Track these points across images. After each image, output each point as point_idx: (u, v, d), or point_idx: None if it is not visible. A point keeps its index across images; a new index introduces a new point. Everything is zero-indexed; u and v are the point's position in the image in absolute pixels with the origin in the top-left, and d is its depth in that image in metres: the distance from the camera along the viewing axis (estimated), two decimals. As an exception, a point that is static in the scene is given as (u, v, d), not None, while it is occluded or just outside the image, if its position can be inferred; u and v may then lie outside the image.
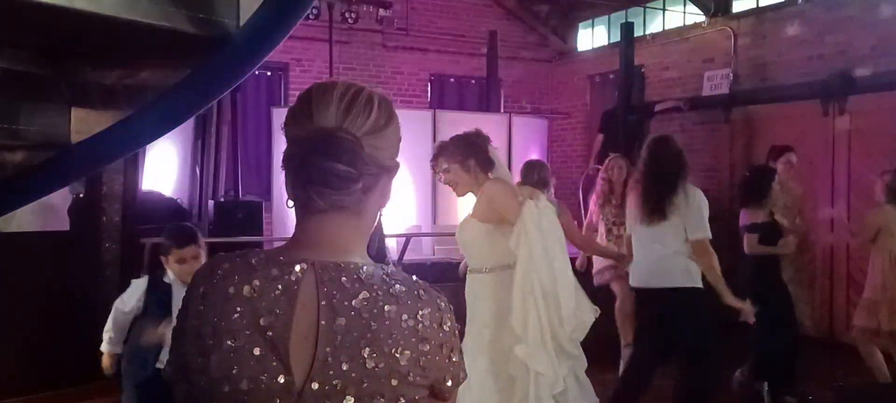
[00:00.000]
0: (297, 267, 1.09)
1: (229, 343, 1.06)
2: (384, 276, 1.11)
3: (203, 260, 3.43)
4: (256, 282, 1.08)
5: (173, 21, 2.38)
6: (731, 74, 8.25)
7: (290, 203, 1.16)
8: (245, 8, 2.57)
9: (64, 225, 5.67)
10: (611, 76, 9.75)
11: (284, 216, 7.32)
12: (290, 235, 1.18)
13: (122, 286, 5.57)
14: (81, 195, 5.64)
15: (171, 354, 1.14)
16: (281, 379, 1.04)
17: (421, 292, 1.12)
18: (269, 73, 9.17)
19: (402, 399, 1.07)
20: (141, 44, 2.69)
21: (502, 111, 9.73)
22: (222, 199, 7.66)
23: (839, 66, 7.07)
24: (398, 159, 1.21)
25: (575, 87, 10.68)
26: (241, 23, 2.58)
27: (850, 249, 6.78)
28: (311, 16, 7.75)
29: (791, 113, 7.54)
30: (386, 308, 1.07)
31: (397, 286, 1.10)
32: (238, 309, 1.07)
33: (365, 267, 1.11)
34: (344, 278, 1.08)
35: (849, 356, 6.01)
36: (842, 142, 7.11)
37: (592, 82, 10.42)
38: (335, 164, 1.09)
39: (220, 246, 6.11)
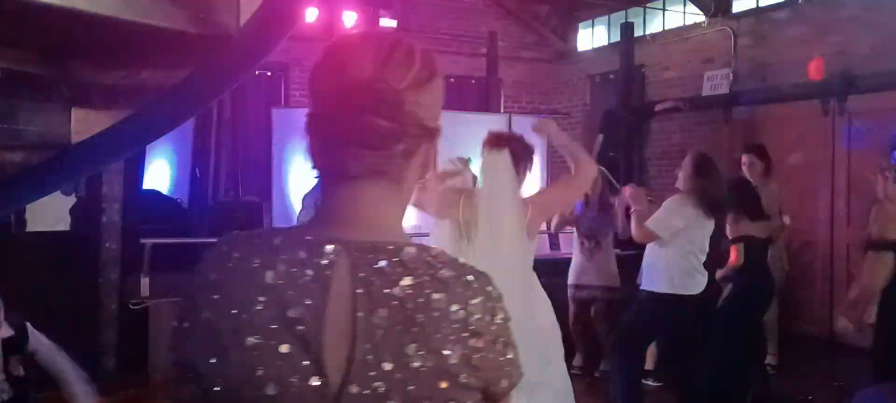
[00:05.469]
0: (329, 249, 0.93)
1: (252, 339, 0.90)
2: (429, 259, 0.95)
3: (2, 314, 3.10)
4: (281, 267, 0.92)
5: (173, 21, 2.38)
6: (731, 74, 8.25)
7: (316, 172, 1.01)
8: (245, 8, 2.56)
9: (65, 224, 5.67)
10: (611, 76, 9.75)
11: (284, 216, 7.32)
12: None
13: (123, 286, 5.61)
14: (81, 194, 5.64)
15: (173, 353, 0.98)
16: (314, 382, 0.89)
17: (470, 278, 0.96)
18: (269, 73, 9.16)
19: None
20: (141, 44, 2.69)
21: (502, 111, 9.73)
22: (222, 199, 7.66)
23: (839, 66, 7.07)
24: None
25: (575, 87, 10.68)
26: (241, 23, 2.58)
27: (850, 249, 6.78)
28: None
29: (791, 113, 7.55)
30: (433, 296, 0.92)
31: (444, 270, 0.94)
32: (261, 299, 0.91)
33: (407, 248, 0.95)
34: (383, 261, 0.93)
35: (849, 356, 6.00)
36: (842, 142, 7.11)
37: (592, 82, 10.43)
38: (375, 119, 0.94)
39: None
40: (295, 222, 6.88)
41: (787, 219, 5.83)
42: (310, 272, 0.92)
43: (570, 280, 5.96)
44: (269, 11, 2.30)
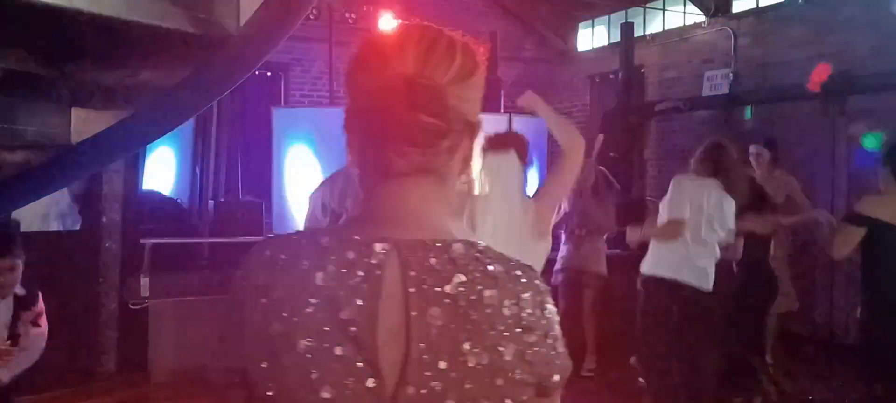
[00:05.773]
0: (378, 248, 0.91)
1: (304, 342, 0.88)
2: (477, 255, 0.93)
3: (19, 273, 3.20)
4: (331, 268, 0.90)
5: (173, 21, 2.38)
6: (730, 74, 8.25)
7: (357, 171, 0.99)
8: (245, 8, 2.56)
9: (58, 224, 5.67)
10: (611, 76, 9.75)
11: (284, 216, 7.32)
12: None
13: (123, 286, 5.61)
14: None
15: (220, 358, 0.97)
16: (370, 384, 0.88)
17: (518, 272, 0.95)
18: (269, 73, 9.16)
19: (508, 400, 0.91)
20: (141, 44, 2.69)
21: (502, 111, 9.73)
22: (222, 199, 7.66)
23: (839, 66, 7.07)
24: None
25: (575, 88, 10.68)
26: (241, 23, 2.58)
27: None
28: (310, 16, 7.74)
29: (791, 113, 7.55)
30: (485, 293, 0.90)
31: (492, 266, 0.93)
32: (312, 301, 0.89)
33: (455, 245, 0.93)
34: (433, 259, 0.91)
35: (849, 356, 6.01)
36: (842, 142, 7.11)
37: (592, 82, 10.43)
38: (420, 116, 0.92)
39: (220, 246, 6.12)
40: (295, 221, 6.88)
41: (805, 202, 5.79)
42: (360, 272, 0.91)
43: (557, 266, 5.77)
44: (269, 11, 2.30)
